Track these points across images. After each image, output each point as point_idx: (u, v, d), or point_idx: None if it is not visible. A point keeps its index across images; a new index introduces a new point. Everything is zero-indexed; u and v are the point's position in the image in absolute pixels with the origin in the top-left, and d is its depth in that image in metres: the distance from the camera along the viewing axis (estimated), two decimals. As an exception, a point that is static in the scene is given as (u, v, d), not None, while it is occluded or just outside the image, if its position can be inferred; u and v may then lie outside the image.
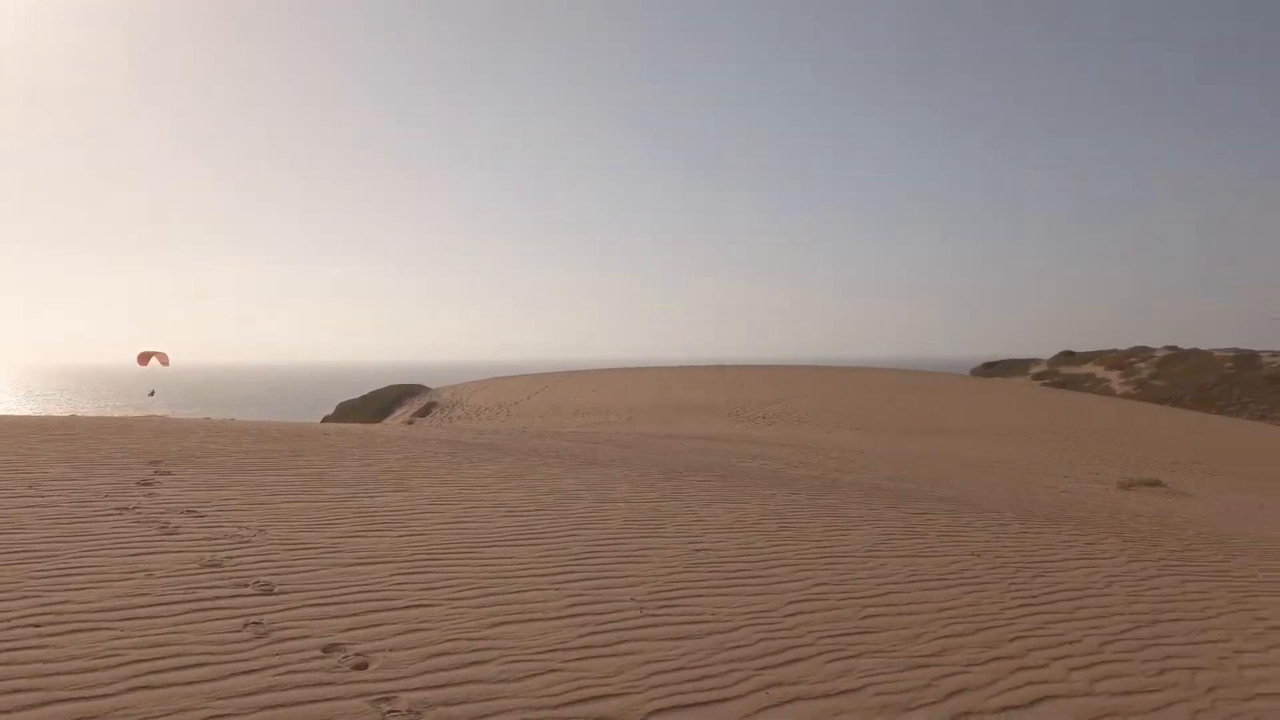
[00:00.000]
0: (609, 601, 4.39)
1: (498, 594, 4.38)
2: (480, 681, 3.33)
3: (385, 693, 3.15)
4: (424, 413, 33.05)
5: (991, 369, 74.60)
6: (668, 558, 5.35)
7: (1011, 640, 4.36)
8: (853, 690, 3.57)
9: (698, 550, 5.60)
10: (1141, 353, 66.81)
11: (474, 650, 3.61)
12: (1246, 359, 57.41)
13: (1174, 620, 4.99)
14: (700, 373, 40.27)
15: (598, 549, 5.40)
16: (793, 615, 4.44)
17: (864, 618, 4.51)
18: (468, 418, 30.44)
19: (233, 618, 3.71)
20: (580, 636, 3.88)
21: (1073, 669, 4.01)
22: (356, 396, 39.62)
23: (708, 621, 4.22)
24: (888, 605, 4.76)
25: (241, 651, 3.38)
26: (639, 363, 65.75)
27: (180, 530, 5.08)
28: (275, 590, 4.11)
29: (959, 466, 16.04)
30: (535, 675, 3.42)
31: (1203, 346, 63.72)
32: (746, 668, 3.69)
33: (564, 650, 3.71)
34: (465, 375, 53.38)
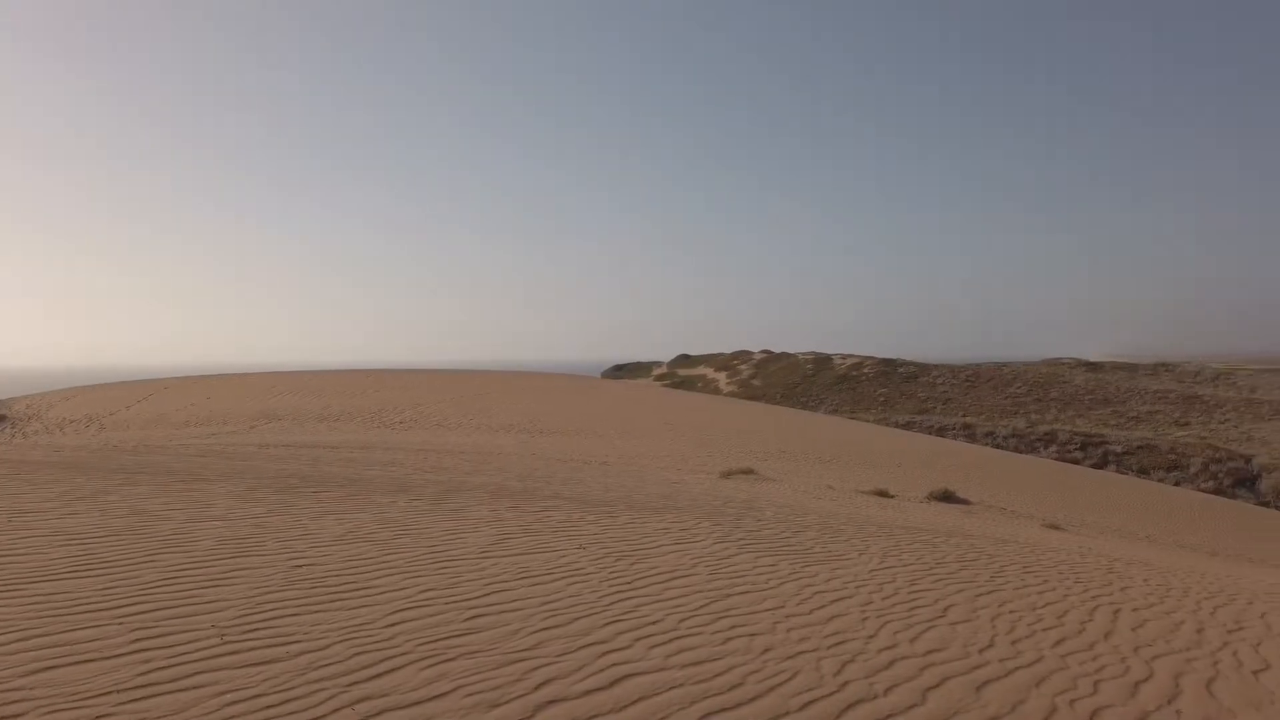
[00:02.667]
0: (184, 632, 3.97)
1: (41, 635, 3.77)
2: (1, 743, 2.84)
3: None
4: (-14, 428, 27.81)
5: (620, 371, 79.48)
6: (263, 577, 4.98)
7: (604, 626, 4.63)
8: (445, 694, 3.57)
9: (298, 566, 5.28)
10: (743, 356, 75.09)
11: (1, 705, 3.08)
12: (823, 361, 66.88)
13: (743, 593, 5.64)
14: (338, 378, 38.30)
15: (177, 575, 4.88)
16: (392, 625, 4.34)
17: (467, 620, 4.54)
18: (47, 433, 26.16)
19: None
20: (141, 674, 3.46)
21: (653, 646, 4.36)
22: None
23: (299, 641, 3.99)
24: (491, 605, 4.84)
25: None
26: (280, 367, 61.00)
27: None
28: None
29: (584, 464, 16.89)
30: (77, 726, 2.99)
31: (791, 350, 73.27)
32: (334, 686, 3.54)
33: (120, 692, 3.29)
34: (56, 383, 45.83)
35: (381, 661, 3.84)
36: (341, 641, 4.03)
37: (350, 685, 3.56)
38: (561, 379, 46.44)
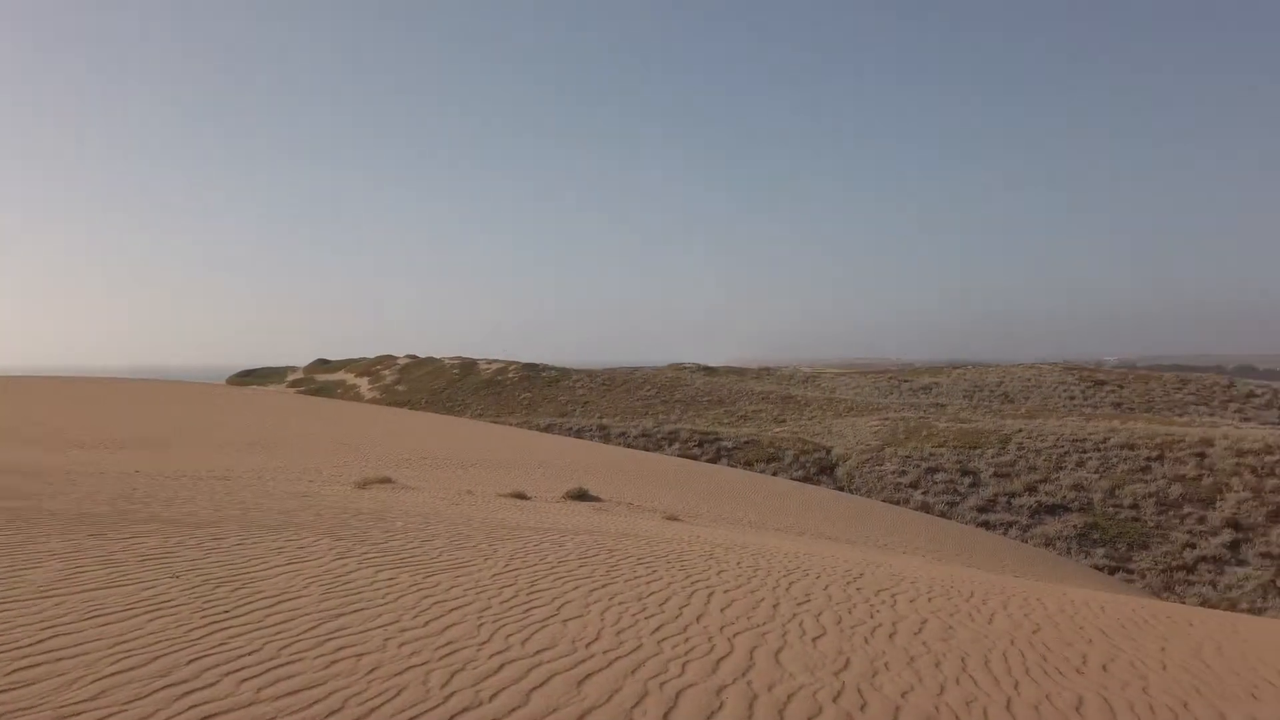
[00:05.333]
0: None
1: None
2: None
3: None
4: None
5: (248, 377, 73.51)
6: None
7: (189, 663, 4.19)
8: (-35, 769, 3.00)
9: None
10: (386, 361, 73.02)
11: None
12: (468, 366, 67.04)
13: (357, 611, 5.42)
14: None
15: None
16: (-98, 692, 3.57)
17: (10, 674, 3.86)
18: None
19: None
20: None
21: (244, 680, 4.03)
22: None
23: None
24: (48, 652, 4.17)
25: None
26: None
27: None
28: None
29: (197, 480, 15.30)
30: None
31: (436, 355, 72.56)
32: None
33: None
34: None
35: (-123, 740, 3.14)
36: None
37: None
38: (174, 387, 41.85)
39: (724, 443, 38.75)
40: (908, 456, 34.93)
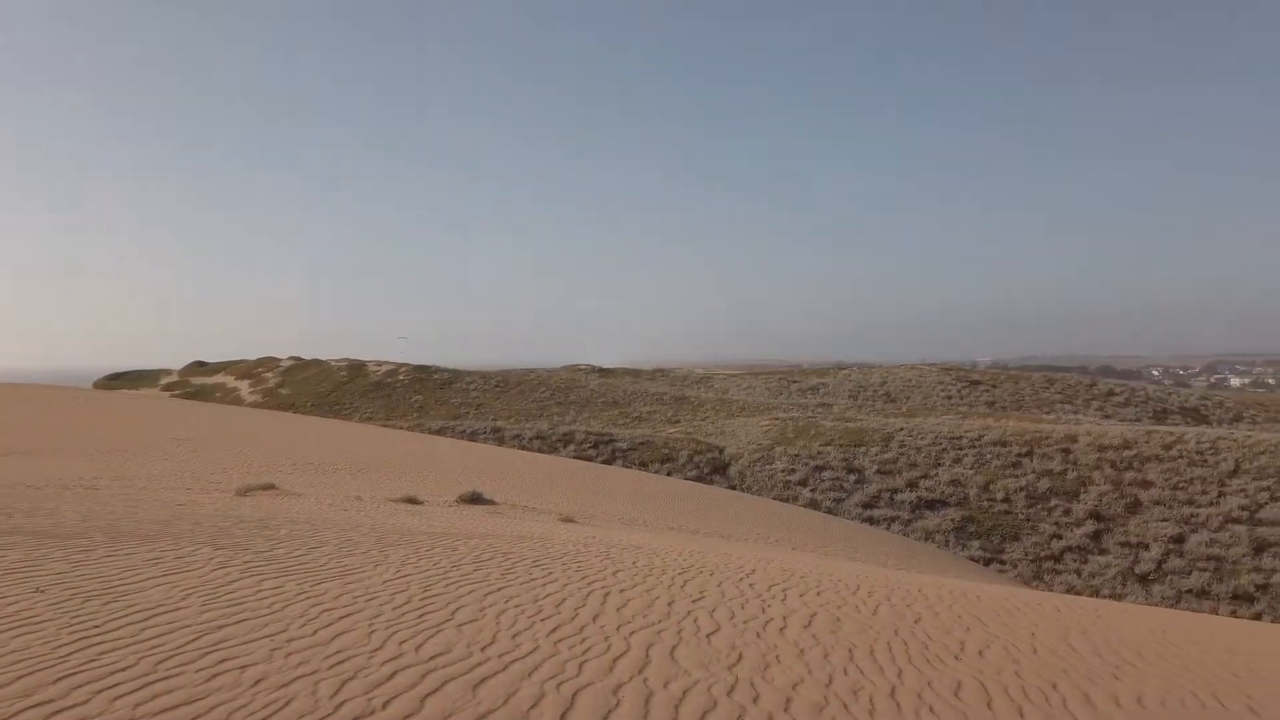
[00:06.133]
0: None
1: None
2: None
3: None
4: None
5: (118, 380, 69.72)
6: None
7: (56, 681, 3.96)
8: None
9: None
10: (269, 363, 70.44)
11: None
12: (357, 368, 65.29)
13: (240, 621, 5.22)
14: None
15: None
16: None
17: None
18: None
19: None
20: None
21: (118, 697, 3.83)
22: None
23: None
24: (-107, 677, 3.87)
25: None
26: None
27: None
28: None
29: (63, 489, 14.39)
30: None
31: (323, 357, 70.38)
32: None
33: None
34: None
35: None
36: None
37: None
38: (36, 389, 39.31)
39: (619, 444, 38.91)
40: (797, 455, 35.84)
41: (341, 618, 5.52)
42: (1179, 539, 27.73)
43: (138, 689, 3.96)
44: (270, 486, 16.69)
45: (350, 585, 6.53)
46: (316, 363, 69.17)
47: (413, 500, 16.46)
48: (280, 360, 71.24)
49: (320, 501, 15.28)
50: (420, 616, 5.70)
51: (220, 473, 19.58)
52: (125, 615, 5.17)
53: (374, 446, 28.66)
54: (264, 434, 29.61)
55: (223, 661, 4.42)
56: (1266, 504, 28.97)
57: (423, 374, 63.61)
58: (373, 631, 5.24)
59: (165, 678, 4.13)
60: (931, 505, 31.21)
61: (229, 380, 68.23)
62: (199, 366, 75.21)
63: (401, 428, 45.04)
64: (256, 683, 4.17)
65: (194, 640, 4.75)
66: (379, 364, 66.19)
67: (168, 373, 74.53)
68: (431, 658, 4.79)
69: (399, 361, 66.41)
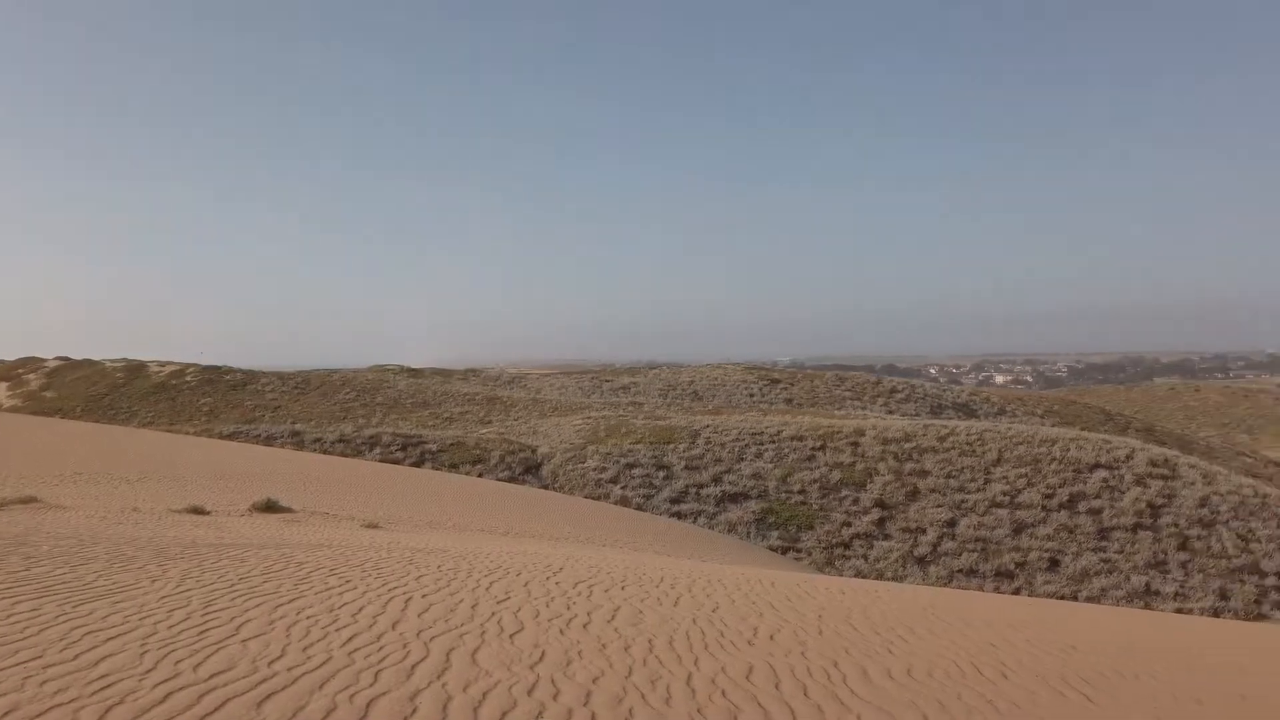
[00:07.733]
0: None
1: None
2: None
3: None
4: None
5: None
6: None
7: None
8: None
9: None
10: (32, 363, 63.73)
11: None
12: (136, 369, 60.20)
13: (-14, 649, 4.70)
14: None
15: None
16: None
17: None
18: None
19: None
20: None
21: None
22: None
23: None
24: None
25: None
26: None
27: None
28: None
29: None
30: None
31: (96, 357, 64.37)
32: None
33: None
34: None
35: None
36: None
37: None
38: None
39: (429, 445, 37.99)
40: (608, 453, 36.34)
41: (109, 639, 5.08)
42: (951, 523, 30.39)
43: None
44: (31, 499, 15.07)
45: (121, 604, 6.02)
46: (89, 363, 63.05)
47: (199, 510, 15.36)
48: (45, 360, 64.41)
49: (90, 514, 13.97)
50: (201, 634, 5.34)
51: (-32, 486, 17.47)
52: None
53: (155, 453, 26.51)
54: (23, 441, 26.70)
55: (-38, 696, 3.97)
56: (1024, 489, 32.29)
57: (213, 375, 59.42)
58: (145, 652, 4.86)
59: (-112, 719, 3.66)
60: (734, 499, 32.54)
61: (-18, 382, 60.93)
62: (-56, 367, 66.66)
63: (188, 433, 41.89)
64: (5, 715, 3.77)
65: (-74, 675, 4.23)
66: (162, 364, 61.21)
67: (-97, 374, 65.57)
68: (211, 676, 4.51)
69: (185, 362, 61.72)
